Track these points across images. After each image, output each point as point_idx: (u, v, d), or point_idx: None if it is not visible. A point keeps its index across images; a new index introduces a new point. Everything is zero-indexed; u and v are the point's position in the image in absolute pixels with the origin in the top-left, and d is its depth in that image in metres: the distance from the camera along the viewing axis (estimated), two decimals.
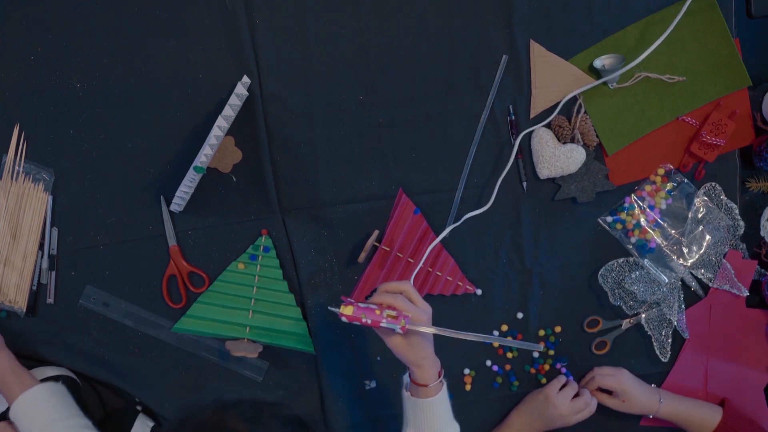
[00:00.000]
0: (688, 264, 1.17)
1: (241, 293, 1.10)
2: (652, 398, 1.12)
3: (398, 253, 1.10)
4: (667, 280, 1.15)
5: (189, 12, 1.05)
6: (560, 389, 1.13)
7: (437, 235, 1.12)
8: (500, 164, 1.13)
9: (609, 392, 1.14)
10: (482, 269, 1.15)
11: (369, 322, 0.85)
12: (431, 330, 0.87)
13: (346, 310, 0.85)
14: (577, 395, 1.13)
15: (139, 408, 1.14)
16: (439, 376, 0.90)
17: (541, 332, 1.18)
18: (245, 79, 1.06)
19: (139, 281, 1.10)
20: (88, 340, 1.09)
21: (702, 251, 1.17)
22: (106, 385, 1.12)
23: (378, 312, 0.85)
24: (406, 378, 0.92)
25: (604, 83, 1.12)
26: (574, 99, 1.12)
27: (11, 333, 1.07)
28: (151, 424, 1.12)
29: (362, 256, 1.09)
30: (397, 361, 1.18)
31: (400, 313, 0.85)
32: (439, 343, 1.16)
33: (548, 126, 1.13)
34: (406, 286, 0.88)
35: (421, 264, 1.08)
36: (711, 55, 1.13)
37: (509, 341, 0.91)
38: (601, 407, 1.15)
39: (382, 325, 0.84)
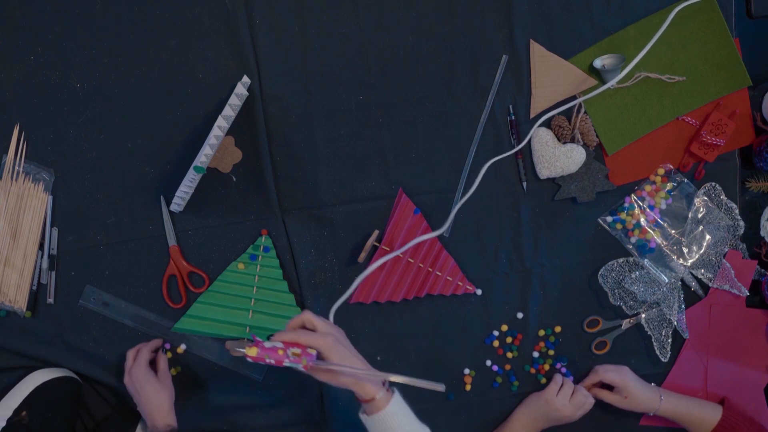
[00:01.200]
0: (688, 264, 1.17)
1: (241, 293, 1.10)
2: (653, 396, 1.12)
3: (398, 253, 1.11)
4: (667, 280, 1.15)
5: (189, 12, 1.05)
6: (558, 390, 1.13)
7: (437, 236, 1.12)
8: (500, 164, 1.13)
9: (610, 389, 1.15)
10: (482, 269, 1.15)
11: (273, 362, 0.83)
12: (334, 367, 0.83)
13: (251, 352, 0.83)
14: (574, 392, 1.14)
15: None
16: (384, 385, 0.88)
17: (541, 332, 1.18)
18: (245, 79, 1.06)
19: (139, 281, 1.10)
20: (88, 340, 1.09)
21: (702, 251, 1.17)
22: (106, 385, 1.12)
23: (281, 352, 0.83)
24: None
25: (604, 83, 1.12)
26: (574, 99, 1.12)
27: (11, 333, 1.07)
28: None
29: (362, 256, 1.09)
30: (398, 359, 1.18)
31: (305, 350, 0.83)
32: (437, 343, 1.16)
33: (548, 126, 1.13)
34: (306, 315, 0.87)
35: (377, 265, 1.06)
36: (711, 55, 1.13)
37: (409, 380, 0.84)
38: (603, 405, 1.15)
39: (285, 364, 0.83)
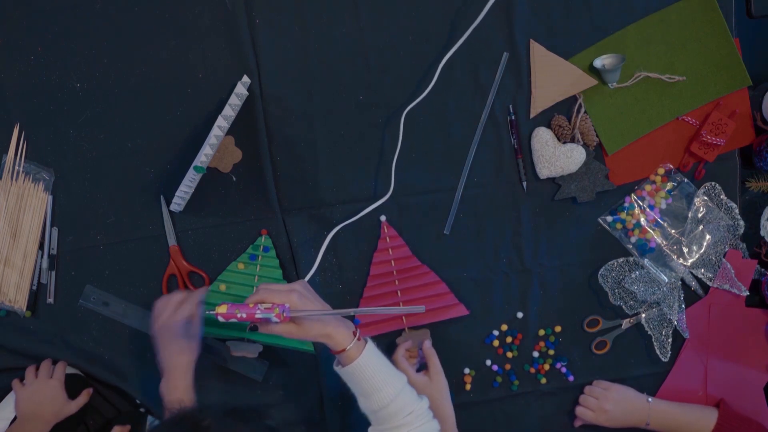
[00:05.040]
0: (688, 264, 1.17)
1: (241, 293, 1.10)
2: (639, 418, 1.13)
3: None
4: (667, 280, 1.15)
5: (189, 12, 1.05)
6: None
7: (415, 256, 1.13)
8: (500, 164, 1.13)
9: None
10: (482, 269, 1.15)
11: (244, 316, 0.83)
12: (307, 314, 0.83)
13: (220, 309, 0.84)
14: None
15: (141, 410, 1.14)
16: (354, 336, 0.86)
17: (541, 332, 1.18)
18: (245, 79, 1.06)
19: (139, 281, 1.10)
20: (88, 340, 1.09)
21: (702, 251, 1.17)
22: (106, 385, 1.12)
23: (251, 305, 0.83)
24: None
25: (604, 83, 1.12)
26: (574, 98, 1.12)
27: (11, 333, 1.07)
28: None
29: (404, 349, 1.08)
30: None
31: (275, 304, 0.83)
32: (437, 343, 1.16)
33: (548, 126, 1.13)
34: (263, 287, 0.86)
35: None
36: (711, 55, 1.13)
37: (385, 310, 0.83)
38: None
39: (257, 316, 0.83)
